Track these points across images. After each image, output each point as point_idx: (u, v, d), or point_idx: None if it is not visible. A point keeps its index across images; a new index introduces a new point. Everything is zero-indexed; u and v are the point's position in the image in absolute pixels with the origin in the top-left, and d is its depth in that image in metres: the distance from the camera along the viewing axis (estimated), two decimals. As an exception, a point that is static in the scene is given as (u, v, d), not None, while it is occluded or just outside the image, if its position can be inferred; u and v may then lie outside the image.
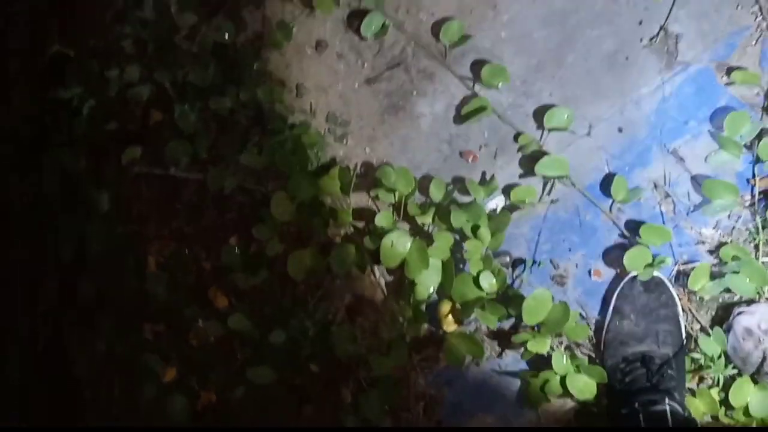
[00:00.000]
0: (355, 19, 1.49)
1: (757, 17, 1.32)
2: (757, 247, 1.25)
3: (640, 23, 1.36)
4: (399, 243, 1.30)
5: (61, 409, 1.36)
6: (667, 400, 1.10)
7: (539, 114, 1.36)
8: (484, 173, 1.38)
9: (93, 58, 1.59)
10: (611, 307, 1.24)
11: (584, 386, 1.21)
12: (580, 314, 1.29)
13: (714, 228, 1.29)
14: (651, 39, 1.35)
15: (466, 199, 1.36)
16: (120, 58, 1.57)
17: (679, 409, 1.11)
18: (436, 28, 1.43)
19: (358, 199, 1.40)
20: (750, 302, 1.22)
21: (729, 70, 1.32)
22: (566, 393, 1.22)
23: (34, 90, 1.63)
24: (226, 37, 1.51)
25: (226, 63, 1.51)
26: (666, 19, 1.34)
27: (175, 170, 1.50)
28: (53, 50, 1.66)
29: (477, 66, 1.41)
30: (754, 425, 1.19)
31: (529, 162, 1.35)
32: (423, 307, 1.29)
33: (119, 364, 1.35)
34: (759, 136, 1.26)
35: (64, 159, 1.49)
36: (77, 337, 1.37)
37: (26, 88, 1.64)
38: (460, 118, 1.41)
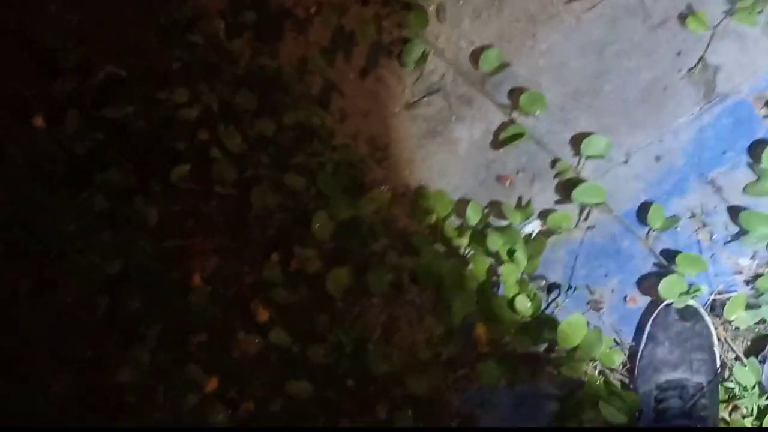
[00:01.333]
0: (396, 46, 1.53)
1: (796, 49, 1.33)
2: (793, 278, 1.25)
3: (679, 54, 1.38)
4: (435, 264, 1.33)
5: (105, 415, 1.40)
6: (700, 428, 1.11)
7: (576, 141, 1.38)
8: (520, 198, 1.40)
9: (144, 79, 1.65)
10: (645, 334, 1.25)
11: (617, 412, 1.21)
12: (615, 340, 1.31)
13: (751, 258, 1.29)
14: (689, 70, 1.37)
15: (502, 223, 1.38)
16: (169, 80, 1.64)
17: (713, 437, 1.12)
18: (476, 56, 1.47)
19: (396, 221, 1.44)
20: (785, 333, 1.22)
21: (767, 102, 1.32)
22: (600, 417, 1.23)
23: (87, 110, 1.70)
24: (271, 61, 1.57)
25: (271, 87, 1.56)
26: (705, 51, 1.35)
27: (221, 188, 1.55)
28: (106, 71, 1.73)
29: (515, 93, 1.44)
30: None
31: (566, 188, 1.37)
32: (458, 328, 1.31)
33: (162, 374, 1.39)
34: (796, 168, 1.26)
35: (114, 177, 1.55)
36: (123, 348, 1.42)
37: (79, 108, 1.71)
38: (497, 143, 1.43)
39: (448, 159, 1.47)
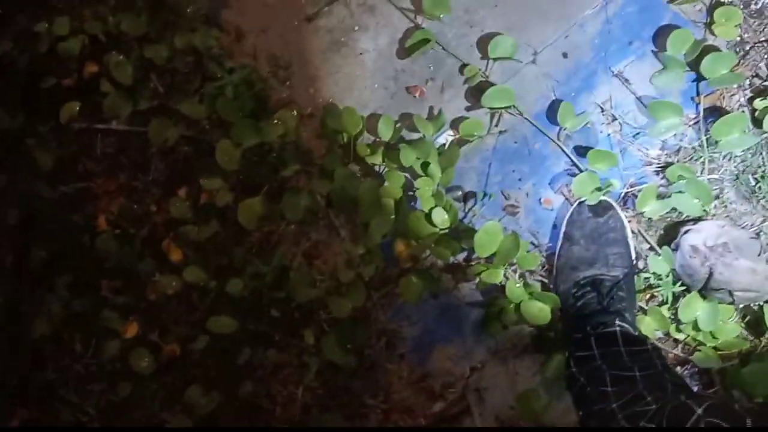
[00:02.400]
0: (290, -47, 1.44)
1: (696, -70, 1.29)
2: (702, 165, 1.27)
3: (582, -57, 1.33)
4: (350, 186, 1.29)
5: (23, 369, 1.35)
6: (617, 321, 1.13)
7: (483, 44, 1.34)
8: (431, 108, 1.36)
9: (20, 12, 1.52)
10: (561, 234, 1.25)
11: (538, 312, 1.23)
12: (533, 242, 1.31)
13: (660, 149, 1.30)
14: (592, -41, 1.32)
15: (415, 136, 1.35)
16: (48, 10, 1.51)
17: (630, 328, 1.14)
18: (374, -41, 1.39)
19: (306, 143, 1.38)
20: (696, 220, 1.24)
21: (671, -13, 1.30)
22: (522, 320, 1.25)
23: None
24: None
25: (159, 9, 1.46)
26: (607, -63, 1.31)
27: (116, 124, 1.46)
28: (-23, 4, 1.59)
29: (418, -3, 1.38)
30: (701, 338, 1.23)
31: (476, 94, 1.33)
32: (378, 246, 1.29)
33: (78, 323, 1.34)
34: (702, 54, 1.25)
35: (2, 119, 1.44)
36: (34, 300, 1.36)
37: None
38: (404, 52, 1.38)
39: (354, 72, 1.41)
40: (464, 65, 1.35)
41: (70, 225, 1.40)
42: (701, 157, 1.27)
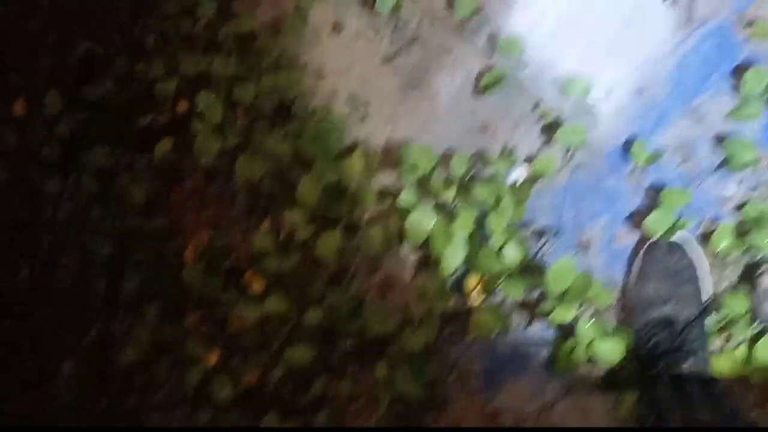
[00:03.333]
0: (370, -5, 1.50)
1: (775, -34, 1.28)
2: (781, 203, 1.24)
3: (657, -19, 1.34)
4: (423, 220, 1.33)
5: (111, 396, 1.44)
6: (689, 362, 1.12)
7: (557, 82, 1.36)
8: (504, 145, 1.39)
9: (121, 54, 1.64)
10: (635, 271, 1.25)
11: (610, 351, 1.23)
12: (606, 280, 1.31)
13: (737, 186, 1.28)
14: (669, -4, 1.33)
15: (487, 172, 1.38)
16: (146, 53, 1.62)
17: (702, 369, 1.13)
18: (451, 1, 1.44)
19: (384, 179, 1.44)
20: (775, 260, 1.22)
21: (748, 23, 1.29)
22: (594, 358, 1.25)
23: (67, 90, 1.70)
24: (245, 25, 1.54)
25: (248, 51, 1.54)
26: (682, -24, 1.31)
27: (206, 160, 1.55)
28: (82, 48, 1.72)
29: (492, 37, 1.41)
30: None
31: (549, 131, 1.36)
32: (450, 281, 1.32)
33: (164, 351, 1.42)
34: (781, 90, 1.24)
35: (99, 157, 1.55)
36: (124, 330, 1.45)
37: (59, 88, 1.70)
38: (478, 91, 1.42)
39: (430, 111, 1.46)
40: (537, 103, 1.37)
41: (159, 257, 1.49)
42: (780, 195, 1.25)
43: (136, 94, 1.60)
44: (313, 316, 1.35)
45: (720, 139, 1.29)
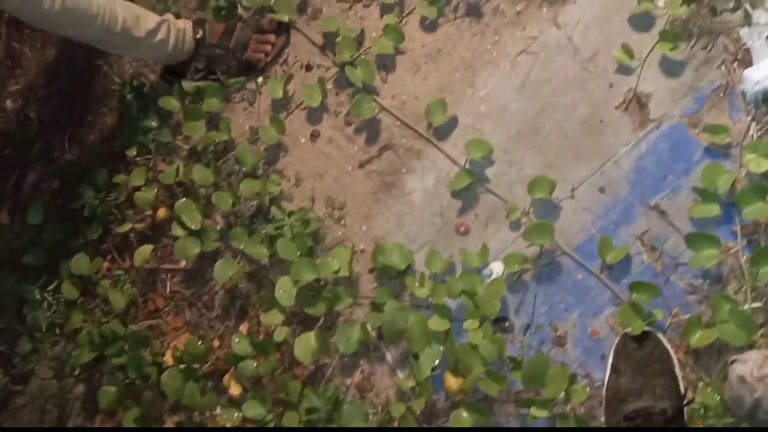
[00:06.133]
0: (343, 106, 1.58)
1: (722, 70, 1.37)
2: (745, 294, 1.28)
3: (611, 86, 1.42)
4: (399, 318, 1.35)
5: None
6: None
7: (523, 182, 1.42)
8: (476, 242, 1.43)
9: (102, 166, 1.69)
10: (608, 365, 1.27)
11: (588, 446, 1.23)
12: (582, 374, 1.33)
13: (703, 279, 1.32)
14: (623, 101, 1.41)
15: (461, 269, 1.41)
16: (126, 163, 1.68)
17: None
18: (420, 108, 1.51)
19: (359, 277, 1.46)
20: (743, 350, 1.25)
21: (701, 124, 1.37)
22: (573, 453, 1.25)
23: (50, 199, 1.74)
24: (223, 138, 1.60)
25: (226, 159, 1.60)
26: (637, 81, 1.40)
27: (185, 264, 1.58)
28: (63, 160, 1.78)
29: (460, 140, 1.48)
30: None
31: (518, 228, 1.40)
32: (428, 379, 1.33)
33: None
34: (735, 185, 1.30)
35: (81, 265, 1.58)
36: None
37: (42, 198, 1.75)
38: (449, 191, 1.47)
39: (404, 210, 1.51)
40: (505, 202, 1.43)
41: (139, 360, 1.49)
42: (743, 286, 1.29)
43: (117, 203, 1.64)
44: (292, 418, 1.35)
45: (682, 233, 1.34)
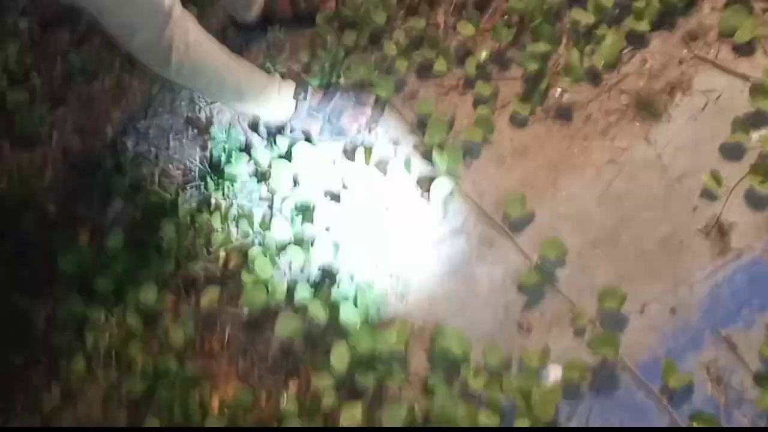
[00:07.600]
0: (424, 184, 1.61)
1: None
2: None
3: (695, 209, 1.42)
4: (450, 406, 1.34)
5: None
6: None
7: (593, 289, 1.41)
8: (538, 342, 1.42)
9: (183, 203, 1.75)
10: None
11: None
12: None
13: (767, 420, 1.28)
14: (705, 226, 1.40)
15: (519, 366, 1.40)
16: (208, 204, 1.73)
17: None
18: (499, 200, 1.54)
19: (414, 358, 1.47)
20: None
21: (782, 260, 1.35)
22: None
23: (130, 228, 1.80)
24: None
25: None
26: (722, 209, 1.39)
27: (248, 312, 1.60)
28: (150, 192, 1.85)
29: (535, 238, 1.49)
30: None
31: (582, 335, 1.39)
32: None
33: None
34: (812, 329, 1.27)
35: (148, 296, 1.62)
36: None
37: (123, 226, 1.81)
38: (516, 285, 1.47)
39: (468, 297, 1.51)
40: (573, 307, 1.42)
41: (187, 401, 1.51)
42: (810, 435, 1.24)
43: (193, 242, 1.69)
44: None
45: (751, 369, 1.30)
